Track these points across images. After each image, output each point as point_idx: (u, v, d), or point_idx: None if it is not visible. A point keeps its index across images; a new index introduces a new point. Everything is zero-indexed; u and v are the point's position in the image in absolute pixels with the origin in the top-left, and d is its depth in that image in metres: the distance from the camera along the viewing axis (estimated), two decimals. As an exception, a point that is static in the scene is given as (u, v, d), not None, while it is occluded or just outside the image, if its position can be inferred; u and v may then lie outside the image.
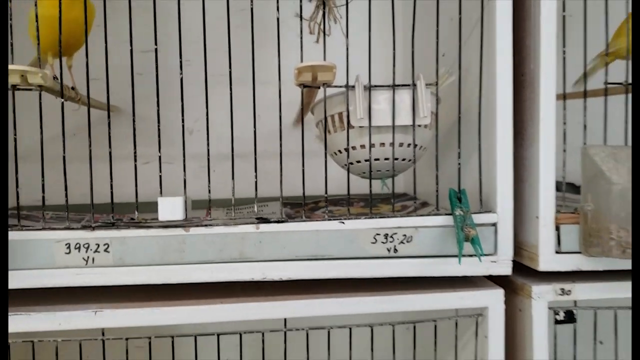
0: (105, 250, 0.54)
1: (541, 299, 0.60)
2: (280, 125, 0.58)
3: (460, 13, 0.58)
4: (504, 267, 0.58)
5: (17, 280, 0.54)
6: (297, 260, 0.56)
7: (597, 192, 0.55)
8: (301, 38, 0.56)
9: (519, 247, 0.62)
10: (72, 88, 0.63)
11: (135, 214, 0.56)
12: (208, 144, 0.57)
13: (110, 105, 0.58)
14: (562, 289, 0.60)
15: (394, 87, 0.57)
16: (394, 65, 0.57)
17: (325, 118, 0.59)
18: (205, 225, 0.55)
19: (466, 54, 0.61)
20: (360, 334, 0.60)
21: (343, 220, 0.56)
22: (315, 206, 0.77)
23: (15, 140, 0.55)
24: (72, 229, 0.54)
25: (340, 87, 0.57)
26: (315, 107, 0.63)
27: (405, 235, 0.57)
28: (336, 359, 0.60)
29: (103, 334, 0.57)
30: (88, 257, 0.54)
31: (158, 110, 0.56)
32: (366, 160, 0.59)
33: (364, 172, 0.61)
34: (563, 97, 0.59)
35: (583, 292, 0.60)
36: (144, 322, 0.56)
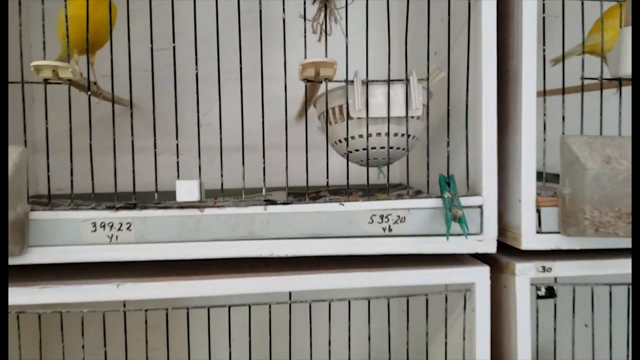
0: (128, 229, 0.60)
1: (524, 275, 0.65)
2: (286, 118, 0.64)
3: (449, 15, 0.64)
4: (489, 246, 0.63)
5: (47, 255, 0.60)
6: (301, 239, 0.62)
7: (573, 177, 0.61)
8: (305, 37, 0.62)
9: (504, 228, 0.67)
10: (95, 83, 0.69)
11: (155, 196, 0.62)
12: (221, 136, 0.62)
13: (126, 100, 0.63)
14: (543, 267, 0.66)
15: (389, 82, 0.63)
16: (389, 62, 0.63)
17: (327, 110, 0.65)
18: (219, 207, 0.61)
19: (455, 53, 0.66)
20: (358, 306, 0.66)
21: (343, 203, 0.62)
22: (317, 195, 0.83)
23: (46, 129, 0.61)
24: (98, 209, 0.60)
25: (341, 82, 0.63)
26: (317, 100, 0.69)
27: (399, 216, 0.62)
28: (336, 328, 0.66)
29: (124, 306, 0.63)
30: (112, 235, 0.60)
31: (176, 105, 0.62)
32: (364, 149, 0.65)
33: (361, 160, 0.67)
34: (543, 92, 0.65)
35: (562, 269, 0.66)
36: (162, 294, 0.61)
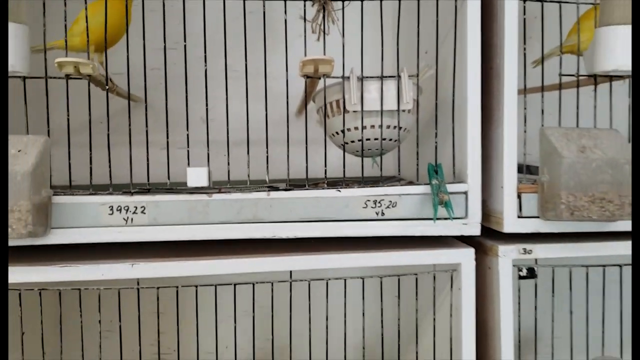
0: (142, 212, 0.65)
1: (506, 257, 0.71)
2: (288, 113, 0.69)
3: (437, 16, 0.69)
4: (473, 229, 0.69)
5: (68, 236, 0.65)
6: (301, 222, 0.67)
7: (551, 165, 0.67)
8: (305, 37, 0.67)
9: (488, 214, 0.73)
10: (110, 80, 0.74)
11: (167, 182, 0.67)
12: (228, 129, 0.68)
13: (134, 96, 0.69)
14: (524, 249, 0.71)
15: (382, 78, 0.68)
16: (382, 60, 0.69)
17: (325, 104, 0.71)
18: (225, 192, 0.66)
19: (443, 51, 0.72)
20: (354, 284, 0.71)
21: (339, 189, 0.68)
22: (315, 187, 0.88)
23: (68, 122, 0.66)
24: (114, 194, 0.65)
25: (338, 78, 0.68)
26: (316, 95, 0.74)
27: (391, 201, 0.68)
28: (333, 304, 0.71)
29: (138, 284, 0.68)
30: (127, 218, 0.65)
31: (187, 101, 0.67)
32: (359, 140, 0.70)
33: (357, 151, 0.72)
34: (524, 88, 0.70)
35: (542, 251, 0.71)
36: (173, 273, 0.66)
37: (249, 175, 0.68)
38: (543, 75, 0.71)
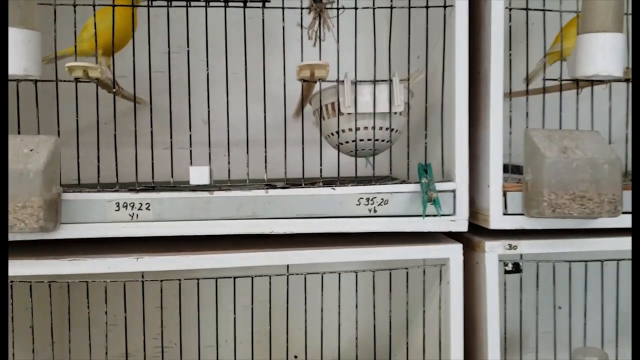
0: (147, 208, 0.69)
1: (493, 252, 0.74)
2: (285, 115, 0.73)
3: (427, 24, 0.73)
4: (461, 225, 0.73)
5: (76, 231, 0.68)
6: (298, 218, 0.71)
7: (534, 164, 0.70)
8: (301, 42, 0.71)
9: (475, 211, 0.77)
10: (116, 82, 0.78)
11: (171, 180, 0.71)
12: (228, 130, 0.72)
13: (139, 98, 0.73)
14: (510, 245, 0.75)
15: (374, 82, 0.72)
16: (375, 65, 0.73)
17: (321, 107, 0.74)
18: (226, 190, 0.70)
19: (434, 57, 0.76)
20: (347, 278, 0.75)
21: (334, 187, 0.71)
22: (311, 185, 0.92)
23: (77, 122, 0.70)
24: (121, 191, 0.69)
25: (333, 81, 0.72)
26: (313, 98, 0.78)
27: (382, 199, 0.71)
28: (328, 297, 0.75)
29: (142, 277, 0.72)
30: (133, 214, 0.69)
31: (190, 103, 0.71)
32: (353, 141, 0.74)
33: (351, 151, 0.76)
34: (509, 91, 0.74)
35: (527, 247, 0.75)
36: (176, 267, 0.70)
37: (248, 174, 0.72)
38: (527, 80, 0.75)
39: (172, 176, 0.71)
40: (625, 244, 0.76)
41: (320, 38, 0.71)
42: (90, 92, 0.71)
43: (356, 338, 0.77)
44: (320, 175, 0.73)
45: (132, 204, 0.69)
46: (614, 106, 0.79)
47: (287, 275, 0.73)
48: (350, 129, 0.73)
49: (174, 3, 0.68)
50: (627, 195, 0.73)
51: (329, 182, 0.73)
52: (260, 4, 0.69)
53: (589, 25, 0.71)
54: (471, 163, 0.75)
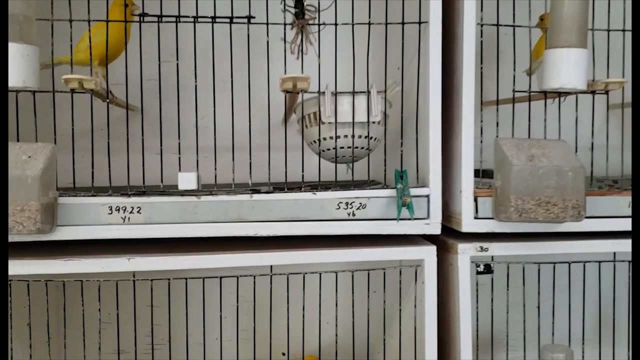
0: (138, 212, 0.73)
1: (465, 254, 0.79)
2: (269, 122, 0.78)
3: (402, 39, 0.77)
4: (434, 228, 0.77)
5: (71, 233, 0.72)
6: (281, 221, 0.75)
7: (503, 171, 0.75)
8: (285, 56, 0.75)
9: (449, 215, 0.81)
10: (110, 92, 0.82)
11: (161, 185, 0.75)
12: (215, 137, 0.76)
13: (132, 105, 0.77)
14: (481, 247, 0.79)
15: (353, 93, 0.76)
16: (353, 77, 0.77)
17: (303, 116, 0.79)
18: (213, 194, 0.74)
19: (411, 69, 0.80)
20: (328, 278, 0.79)
21: (315, 192, 0.76)
22: (294, 190, 0.96)
23: (72, 130, 0.74)
24: (113, 195, 0.73)
25: (314, 92, 0.76)
26: (297, 107, 0.83)
27: (361, 203, 0.76)
28: (309, 296, 0.79)
29: (134, 276, 0.76)
30: (125, 217, 0.73)
31: (179, 110, 0.75)
32: (333, 148, 0.78)
33: (332, 158, 0.80)
34: (480, 102, 0.78)
35: (498, 249, 0.79)
36: (165, 266, 0.74)
37: (233, 180, 0.77)
38: (498, 91, 0.80)
39: (161, 181, 0.76)
40: (590, 246, 0.80)
41: (302, 52, 0.75)
42: (86, 101, 0.75)
43: (336, 335, 0.81)
44: (302, 180, 0.78)
45: (124, 208, 0.73)
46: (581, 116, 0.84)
47: (271, 276, 0.78)
48: (330, 137, 0.78)
49: (164, 19, 0.73)
50: (590, 201, 0.78)
51: (316, 186, 0.77)
52: (245, 20, 0.73)
53: (555, 41, 0.75)
54: (445, 169, 0.79)
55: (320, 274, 0.78)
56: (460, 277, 0.79)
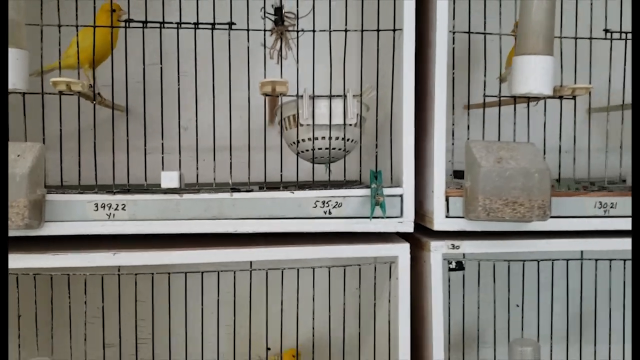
0: (123, 209, 0.77)
1: (437, 251, 0.82)
2: (249, 124, 0.81)
3: (378, 45, 0.81)
4: (407, 226, 0.80)
5: (58, 229, 0.76)
6: (260, 219, 0.78)
7: (472, 173, 0.78)
8: (264, 61, 0.79)
9: (423, 214, 0.85)
10: (98, 94, 0.85)
11: (145, 184, 0.78)
12: (197, 138, 0.79)
13: (119, 106, 0.80)
14: (453, 244, 0.82)
15: (330, 97, 0.80)
16: (330, 81, 0.81)
17: (282, 119, 0.82)
18: (195, 192, 0.77)
19: (386, 75, 0.84)
20: (305, 274, 0.82)
21: (293, 191, 0.79)
22: (272, 189, 0.99)
23: (60, 130, 0.77)
24: (99, 193, 0.76)
25: (293, 96, 0.80)
26: (278, 110, 0.86)
27: (337, 202, 0.79)
28: (287, 291, 0.82)
29: (119, 270, 0.79)
30: (110, 213, 0.76)
31: (162, 112, 0.78)
32: (312, 149, 0.82)
33: (310, 158, 0.84)
34: (452, 106, 0.82)
35: (469, 247, 0.83)
36: (149, 262, 0.77)
37: (214, 179, 0.80)
38: (469, 96, 0.83)
39: (145, 179, 0.79)
40: (558, 245, 0.83)
41: (281, 57, 0.79)
42: (75, 102, 0.79)
43: (313, 328, 0.84)
44: (281, 180, 0.81)
45: (109, 205, 0.76)
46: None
47: (250, 271, 0.81)
48: (309, 139, 0.81)
49: (149, 25, 0.76)
50: (557, 202, 0.81)
51: (302, 186, 0.80)
52: (226, 27, 0.77)
53: (522, 48, 0.79)
54: (420, 170, 0.83)
55: (298, 269, 0.82)
56: (433, 273, 0.82)
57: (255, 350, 0.86)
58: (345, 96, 0.80)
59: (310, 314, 0.84)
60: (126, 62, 0.78)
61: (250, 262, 0.81)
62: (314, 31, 0.80)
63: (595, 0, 0.85)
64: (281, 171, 0.81)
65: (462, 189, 0.81)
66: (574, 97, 0.84)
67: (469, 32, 0.83)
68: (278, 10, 0.77)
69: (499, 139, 0.84)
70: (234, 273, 0.81)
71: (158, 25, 0.76)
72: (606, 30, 0.84)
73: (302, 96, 0.80)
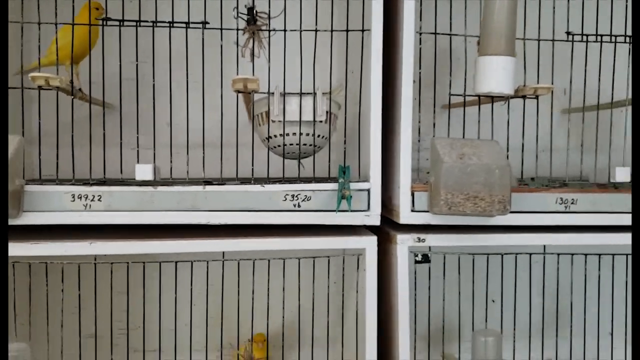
0: (99, 200, 0.79)
1: (404, 244, 0.85)
2: (222, 121, 0.84)
3: (347, 45, 0.84)
4: (374, 220, 0.83)
5: (37, 218, 0.78)
6: (232, 211, 0.81)
7: (436, 168, 0.81)
8: (237, 59, 0.82)
9: (390, 208, 0.88)
10: (79, 89, 0.88)
11: (121, 176, 0.81)
12: (171, 136, 0.82)
13: (99, 101, 0.84)
14: (419, 238, 0.85)
15: (301, 94, 0.83)
16: (301, 80, 0.84)
17: (253, 115, 0.85)
18: (168, 185, 0.80)
19: (356, 74, 0.87)
20: (276, 265, 0.85)
21: (263, 185, 0.82)
22: (243, 183, 1.02)
23: (39, 125, 0.80)
24: (76, 184, 0.79)
25: (265, 93, 0.83)
26: (252, 107, 0.89)
27: (306, 195, 0.82)
28: (258, 281, 0.85)
29: (95, 259, 0.82)
30: (87, 204, 0.79)
31: (137, 109, 0.82)
32: (283, 145, 0.85)
33: (282, 154, 0.87)
34: (419, 104, 0.85)
35: (434, 240, 0.86)
36: (124, 251, 0.80)
37: (187, 172, 0.83)
38: (435, 95, 0.87)
39: (121, 172, 0.82)
40: (521, 239, 0.87)
41: (253, 55, 0.82)
42: (54, 97, 0.82)
43: (283, 317, 0.87)
44: (252, 174, 0.84)
45: (85, 196, 0.79)
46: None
47: (223, 262, 0.84)
48: (280, 135, 0.84)
49: (125, 23, 0.79)
50: (520, 197, 0.84)
51: (280, 181, 0.83)
52: (200, 26, 0.80)
53: (485, 49, 0.82)
54: (388, 166, 0.86)
55: (269, 260, 0.85)
56: (399, 266, 0.85)
57: (227, 338, 0.89)
58: (315, 94, 0.83)
59: (281, 303, 0.87)
60: (103, 60, 0.81)
61: (223, 253, 0.84)
62: (285, 31, 0.83)
63: (558, 1, 0.88)
64: (252, 165, 0.84)
65: (427, 184, 0.84)
66: (536, 97, 0.87)
67: (435, 33, 0.86)
68: (250, 10, 0.80)
69: (463, 137, 0.87)
70: (207, 263, 0.84)
71: (134, 24, 0.79)
72: (568, 33, 0.88)
73: (273, 93, 0.83)
